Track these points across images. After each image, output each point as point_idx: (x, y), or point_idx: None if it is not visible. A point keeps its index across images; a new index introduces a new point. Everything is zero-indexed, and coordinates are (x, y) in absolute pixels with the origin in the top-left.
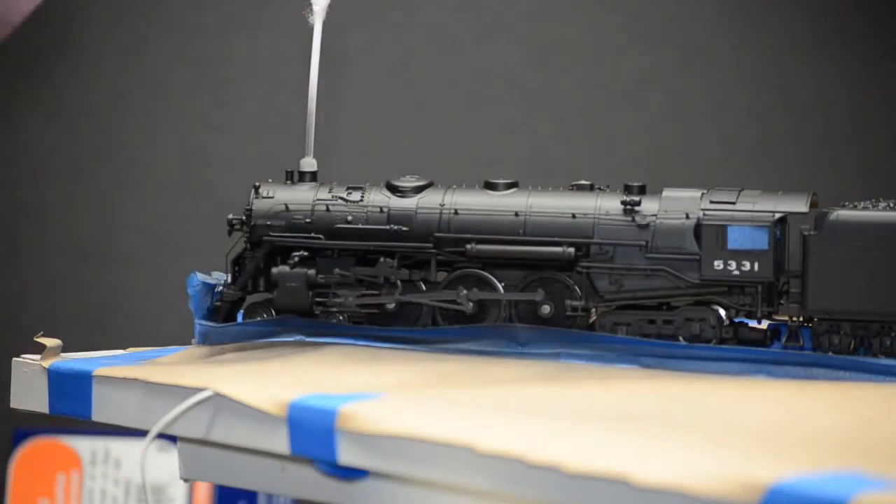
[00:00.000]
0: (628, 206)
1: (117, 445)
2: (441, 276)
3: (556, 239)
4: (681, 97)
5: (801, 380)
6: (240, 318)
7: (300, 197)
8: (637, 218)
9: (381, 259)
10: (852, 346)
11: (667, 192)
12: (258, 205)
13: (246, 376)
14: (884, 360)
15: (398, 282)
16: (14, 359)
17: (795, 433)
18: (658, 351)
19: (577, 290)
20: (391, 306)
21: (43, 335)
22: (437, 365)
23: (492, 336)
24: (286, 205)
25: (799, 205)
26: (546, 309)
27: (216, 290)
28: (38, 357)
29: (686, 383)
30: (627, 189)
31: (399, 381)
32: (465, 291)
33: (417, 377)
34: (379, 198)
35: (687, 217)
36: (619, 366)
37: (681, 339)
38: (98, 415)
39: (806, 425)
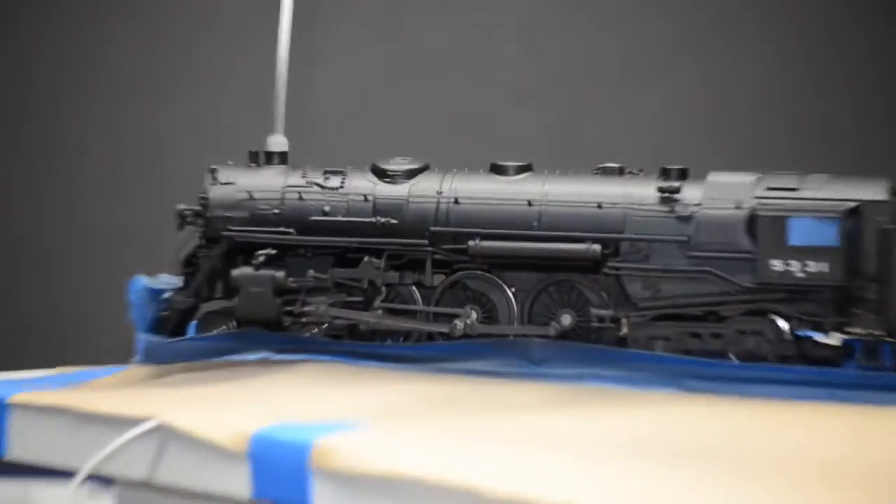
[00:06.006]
0: (666, 194)
1: (38, 490)
2: (438, 279)
3: (579, 234)
4: (725, 65)
5: (879, 407)
6: (192, 331)
7: (267, 183)
8: (677, 208)
9: (366, 258)
10: None
11: (713, 177)
12: (215, 192)
13: (199, 403)
14: None
15: (384, 287)
16: None
17: (858, 472)
18: (704, 371)
19: (604, 296)
20: (373, 319)
21: None
22: (432, 388)
23: (500, 353)
24: (250, 192)
25: (876, 192)
26: (566, 319)
27: (163, 296)
28: None
29: (737, 412)
30: (664, 173)
31: (387, 407)
32: (457, 322)
33: (409, 403)
34: (363, 184)
35: (738, 207)
36: (656, 390)
37: (732, 356)
38: (14, 452)
39: (873, 463)
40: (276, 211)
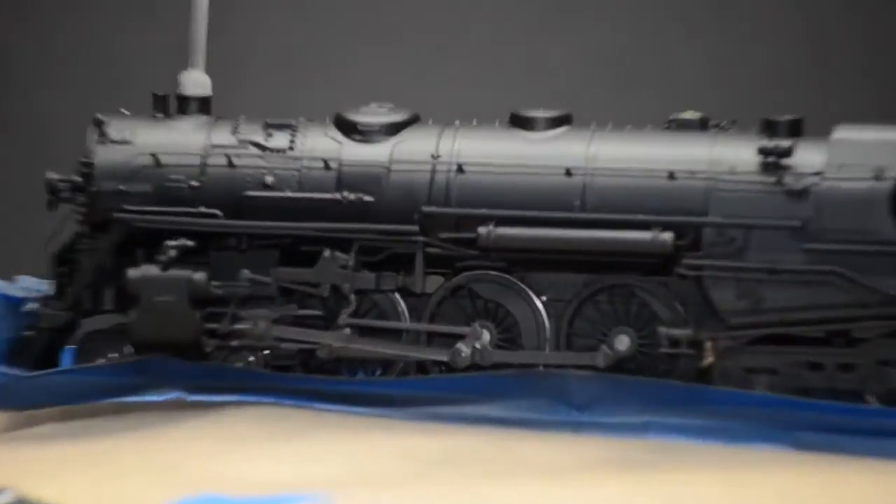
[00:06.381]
0: (771, 158)
1: None
2: (434, 282)
3: (641, 217)
4: None
5: None
6: (67, 361)
7: (180, 141)
8: (787, 179)
9: (326, 253)
10: None
11: (841, 133)
12: (104, 155)
13: (76, 466)
14: None
15: (353, 295)
16: None
17: None
18: (827, 421)
19: (679, 308)
20: (337, 343)
21: None
22: (424, 444)
23: (524, 393)
24: (155, 156)
25: None
26: (623, 343)
27: (24, 308)
28: None
29: (880, 483)
30: (768, 127)
31: (357, 471)
32: (462, 346)
33: (390, 465)
34: (322, 143)
35: (880, 177)
36: (756, 446)
37: (871, 398)
38: None
39: None
40: (195, 183)
